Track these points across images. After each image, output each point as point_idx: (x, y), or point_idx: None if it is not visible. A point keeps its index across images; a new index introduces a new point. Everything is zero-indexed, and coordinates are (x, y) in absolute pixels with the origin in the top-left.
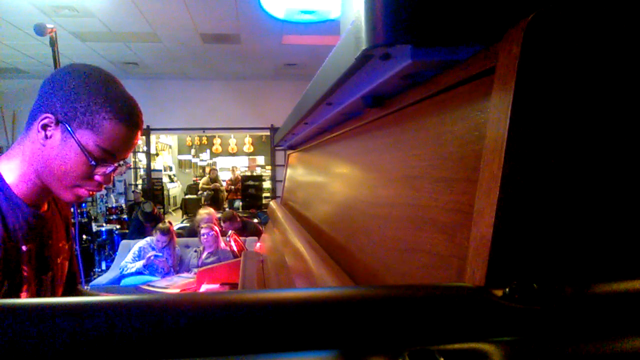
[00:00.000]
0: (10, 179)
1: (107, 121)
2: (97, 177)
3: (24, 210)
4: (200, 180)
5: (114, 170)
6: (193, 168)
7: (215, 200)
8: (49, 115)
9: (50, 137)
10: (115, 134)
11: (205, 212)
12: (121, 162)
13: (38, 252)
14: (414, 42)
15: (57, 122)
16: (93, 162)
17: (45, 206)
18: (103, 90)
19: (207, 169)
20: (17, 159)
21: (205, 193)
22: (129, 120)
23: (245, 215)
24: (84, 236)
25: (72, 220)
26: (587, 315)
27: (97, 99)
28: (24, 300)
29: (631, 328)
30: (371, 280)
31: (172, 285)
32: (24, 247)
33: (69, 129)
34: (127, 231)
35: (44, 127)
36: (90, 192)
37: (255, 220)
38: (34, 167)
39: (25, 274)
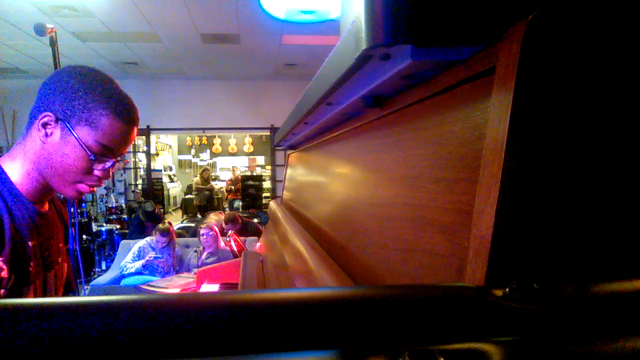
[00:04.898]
0: (14, 177)
1: (104, 117)
2: (96, 172)
3: (29, 208)
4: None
5: (112, 166)
6: (193, 168)
7: (210, 200)
8: (49, 113)
9: (51, 134)
10: (112, 129)
11: (215, 218)
12: (119, 158)
13: (42, 249)
14: (414, 42)
15: (57, 120)
16: (92, 157)
17: (47, 206)
18: (100, 88)
19: (199, 170)
20: (19, 158)
21: (201, 194)
22: (125, 116)
23: (245, 215)
24: (84, 236)
25: (72, 220)
26: (587, 315)
27: (94, 97)
28: (24, 300)
29: (631, 328)
30: (371, 280)
31: (172, 285)
32: (30, 243)
33: (68, 126)
34: (127, 231)
35: (44, 125)
36: (91, 188)
37: (255, 220)
38: (36, 165)
39: (31, 269)
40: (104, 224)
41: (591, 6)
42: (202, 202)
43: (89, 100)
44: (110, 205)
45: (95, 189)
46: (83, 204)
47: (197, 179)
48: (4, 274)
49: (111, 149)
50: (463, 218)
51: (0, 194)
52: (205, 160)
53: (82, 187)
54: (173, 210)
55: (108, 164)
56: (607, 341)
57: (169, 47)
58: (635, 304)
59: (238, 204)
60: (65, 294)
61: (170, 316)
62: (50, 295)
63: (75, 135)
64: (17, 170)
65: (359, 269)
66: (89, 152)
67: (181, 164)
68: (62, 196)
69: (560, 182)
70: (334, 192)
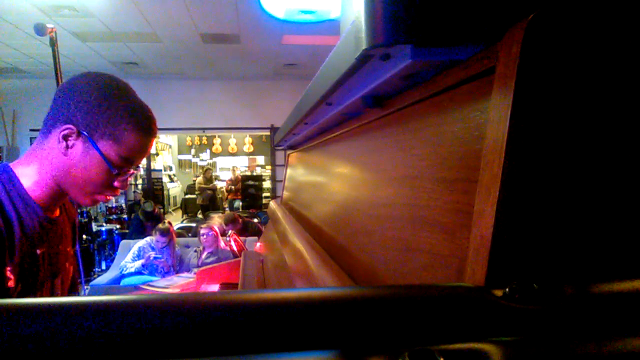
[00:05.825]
0: (27, 183)
1: (127, 132)
2: (115, 184)
3: (39, 215)
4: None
5: (130, 176)
6: (193, 168)
7: (213, 200)
8: (70, 126)
9: (72, 147)
10: (135, 143)
11: (219, 221)
12: (136, 167)
13: (50, 256)
14: (414, 42)
15: (79, 133)
16: (115, 171)
17: (57, 211)
18: (122, 102)
19: (201, 170)
20: (34, 165)
21: (204, 193)
22: (148, 129)
23: (245, 215)
24: (84, 236)
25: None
26: (587, 315)
27: (118, 111)
28: (24, 300)
29: (631, 328)
30: (371, 280)
31: (172, 285)
32: (38, 251)
33: (91, 140)
34: (127, 231)
35: (65, 137)
36: (108, 198)
37: (255, 220)
38: (52, 174)
39: (39, 278)
40: (104, 224)
41: (590, 6)
42: (204, 202)
43: (112, 115)
44: (110, 205)
45: (111, 198)
46: None
47: (200, 178)
48: (11, 283)
49: (132, 161)
50: (463, 218)
51: (11, 201)
52: (205, 160)
53: (100, 197)
54: (173, 210)
55: (127, 175)
56: (607, 341)
57: (169, 47)
58: (635, 304)
59: (238, 204)
60: (69, 295)
61: (170, 316)
62: None
63: (99, 149)
64: (30, 177)
65: (359, 269)
66: (112, 167)
67: (181, 164)
68: None
69: (561, 181)
70: (334, 192)
